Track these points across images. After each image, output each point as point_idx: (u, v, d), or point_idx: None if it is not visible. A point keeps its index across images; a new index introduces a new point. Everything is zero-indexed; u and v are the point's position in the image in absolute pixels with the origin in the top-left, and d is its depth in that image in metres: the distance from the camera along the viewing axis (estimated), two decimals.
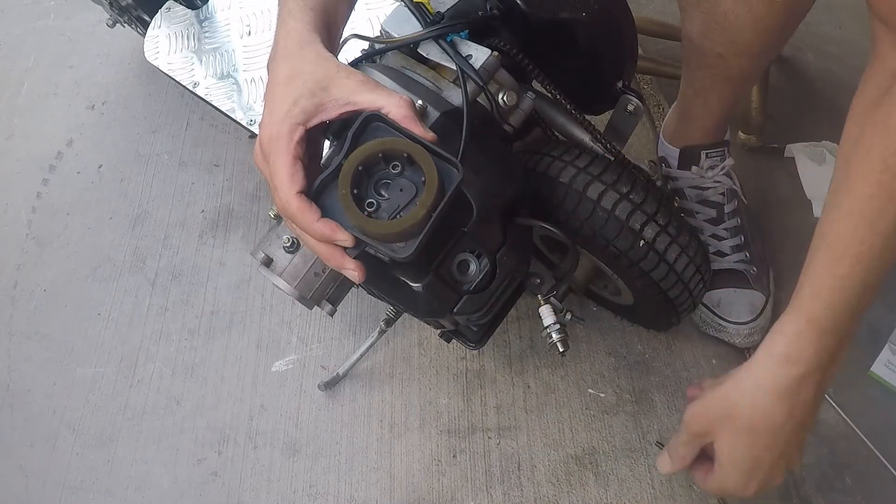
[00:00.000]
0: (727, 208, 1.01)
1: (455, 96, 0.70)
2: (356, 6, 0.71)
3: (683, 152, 1.02)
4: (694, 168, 1.02)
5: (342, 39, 0.72)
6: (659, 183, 1.05)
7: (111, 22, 1.38)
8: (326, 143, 0.68)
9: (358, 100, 0.58)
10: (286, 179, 0.56)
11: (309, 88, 0.58)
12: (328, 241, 0.57)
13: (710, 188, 1.01)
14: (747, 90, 1.14)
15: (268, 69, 0.63)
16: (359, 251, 0.58)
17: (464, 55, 0.69)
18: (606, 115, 0.90)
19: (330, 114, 0.59)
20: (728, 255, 1.00)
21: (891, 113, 0.53)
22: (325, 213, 0.56)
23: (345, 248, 0.58)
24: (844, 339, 0.58)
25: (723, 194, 1.01)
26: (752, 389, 0.60)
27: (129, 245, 1.28)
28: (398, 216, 0.56)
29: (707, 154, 1.01)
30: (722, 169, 1.01)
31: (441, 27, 0.69)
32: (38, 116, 1.49)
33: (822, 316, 0.57)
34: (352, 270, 0.59)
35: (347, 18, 0.70)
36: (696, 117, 1.00)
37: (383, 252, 0.56)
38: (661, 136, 1.08)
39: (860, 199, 0.55)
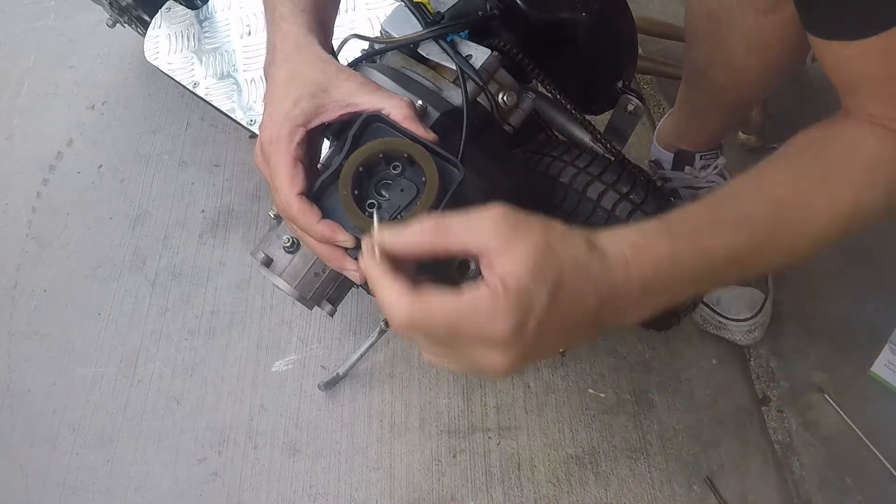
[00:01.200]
0: None
1: (455, 96, 0.70)
2: (356, 6, 0.71)
3: (677, 155, 1.03)
4: (687, 168, 1.02)
5: (343, 40, 0.72)
6: (659, 183, 1.05)
7: (111, 22, 1.38)
8: (326, 144, 0.68)
9: (358, 101, 0.58)
10: (287, 181, 0.56)
11: (309, 90, 0.58)
12: (329, 242, 0.57)
13: (703, 188, 1.02)
14: (745, 115, 1.15)
15: (265, 73, 0.63)
16: (357, 254, 0.59)
17: (464, 55, 0.69)
18: (606, 115, 0.90)
19: (330, 115, 0.59)
20: None
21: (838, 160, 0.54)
22: (326, 213, 0.56)
23: (346, 249, 0.58)
24: (659, 291, 0.47)
25: None
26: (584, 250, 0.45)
27: (129, 245, 1.28)
28: (399, 216, 0.56)
29: (701, 155, 1.02)
30: (714, 168, 1.01)
31: (441, 27, 0.69)
32: (38, 116, 1.49)
33: (670, 254, 0.47)
34: (353, 271, 0.59)
35: (337, 10, 0.70)
36: (692, 132, 1.01)
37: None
38: (654, 140, 1.08)
39: (792, 207, 0.52)
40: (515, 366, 0.43)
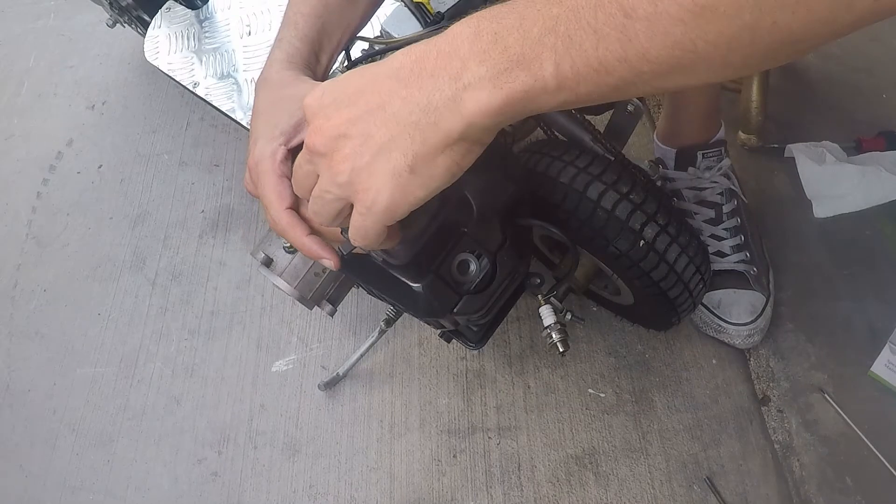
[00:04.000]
0: (726, 208, 1.01)
1: None
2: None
3: (679, 153, 1.03)
4: (690, 169, 1.02)
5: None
6: (658, 183, 1.05)
7: (111, 22, 1.38)
8: None
9: None
10: (275, 197, 0.59)
11: (288, 112, 0.60)
12: (316, 258, 0.59)
13: (707, 188, 1.01)
14: (744, 110, 1.15)
15: (255, 88, 0.66)
16: (350, 251, 0.59)
17: None
18: (606, 116, 0.90)
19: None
20: (728, 255, 1.00)
21: None
22: None
23: (337, 249, 0.60)
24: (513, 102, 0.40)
25: (721, 194, 1.01)
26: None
27: (129, 245, 1.28)
28: None
29: (704, 154, 1.01)
30: (719, 170, 1.01)
31: (441, 27, 0.69)
32: (38, 116, 1.49)
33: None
34: (327, 260, 0.60)
35: (346, 41, 0.71)
36: (686, 116, 1.01)
37: (377, 253, 0.56)
38: (655, 138, 1.08)
39: None
40: (351, 166, 0.44)
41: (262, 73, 0.65)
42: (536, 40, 0.38)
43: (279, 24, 0.66)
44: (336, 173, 0.45)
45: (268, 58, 0.65)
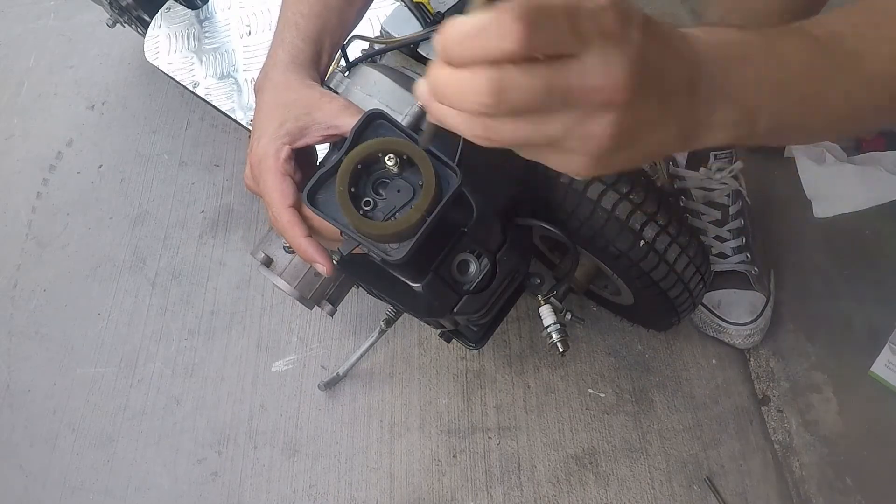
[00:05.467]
0: (732, 210, 1.01)
1: None
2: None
3: (692, 152, 1.03)
4: (702, 169, 1.02)
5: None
6: (659, 183, 1.05)
7: (111, 22, 1.38)
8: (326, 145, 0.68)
9: (339, 123, 0.61)
10: (277, 194, 0.59)
11: (293, 114, 0.60)
12: (309, 261, 0.59)
13: (716, 189, 1.01)
14: None
15: (255, 90, 0.65)
16: (349, 251, 0.59)
17: None
18: None
19: (314, 137, 0.62)
20: (730, 256, 1.00)
21: None
22: (321, 208, 0.57)
23: (336, 249, 0.60)
24: (740, 75, 0.40)
25: (728, 195, 1.01)
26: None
27: (129, 245, 1.28)
28: (393, 217, 0.56)
29: (716, 155, 1.02)
30: (731, 172, 1.01)
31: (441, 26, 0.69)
32: (38, 116, 1.49)
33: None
34: (320, 265, 0.60)
35: (345, 39, 0.71)
36: None
37: (376, 252, 0.56)
38: None
39: None
40: (617, 141, 0.33)
41: (264, 72, 0.64)
42: (766, 101, 0.40)
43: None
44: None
45: (269, 58, 0.65)
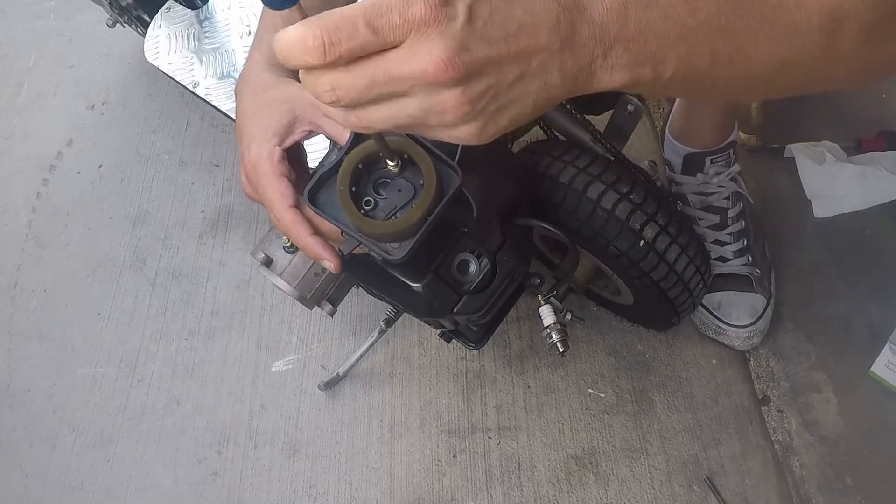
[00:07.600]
0: (731, 212, 1.01)
1: None
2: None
3: (688, 158, 1.02)
4: (699, 175, 1.01)
5: None
6: (659, 183, 1.05)
7: (111, 22, 1.38)
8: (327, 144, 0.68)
9: (322, 122, 0.61)
10: (277, 197, 0.58)
11: (277, 114, 0.60)
12: (317, 258, 0.59)
13: (714, 193, 1.01)
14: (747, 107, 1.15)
15: (235, 95, 0.65)
16: (350, 250, 0.59)
17: None
18: (606, 115, 0.90)
19: (300, 133, 0.63)
20: (731, 259, 1.00)
21: None
22: (322, 208, 0.57)
23: (337, 249, 0.60)
24: (641, 20, 0.39)
25: (727, 198, 1.01)
26: None
27: (129, 245, 1.28)
28: (394, 217, 0.56)
29: (712, 160, 1.01)
30: (728, 175, 1.01)
31: None
32: (38, 116, 1.49)
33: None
34: (327, 261, 0.60)
35: None
36: (705, 114, 1.01)
37: (377, 252, 0.56)
38: (667, 132, 1.07)
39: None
40: (475, 106, 0.34)
41: (242, 76, 0.65)
42: (671, 45, 0.40)
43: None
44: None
45: (247, 62, 0.65)
